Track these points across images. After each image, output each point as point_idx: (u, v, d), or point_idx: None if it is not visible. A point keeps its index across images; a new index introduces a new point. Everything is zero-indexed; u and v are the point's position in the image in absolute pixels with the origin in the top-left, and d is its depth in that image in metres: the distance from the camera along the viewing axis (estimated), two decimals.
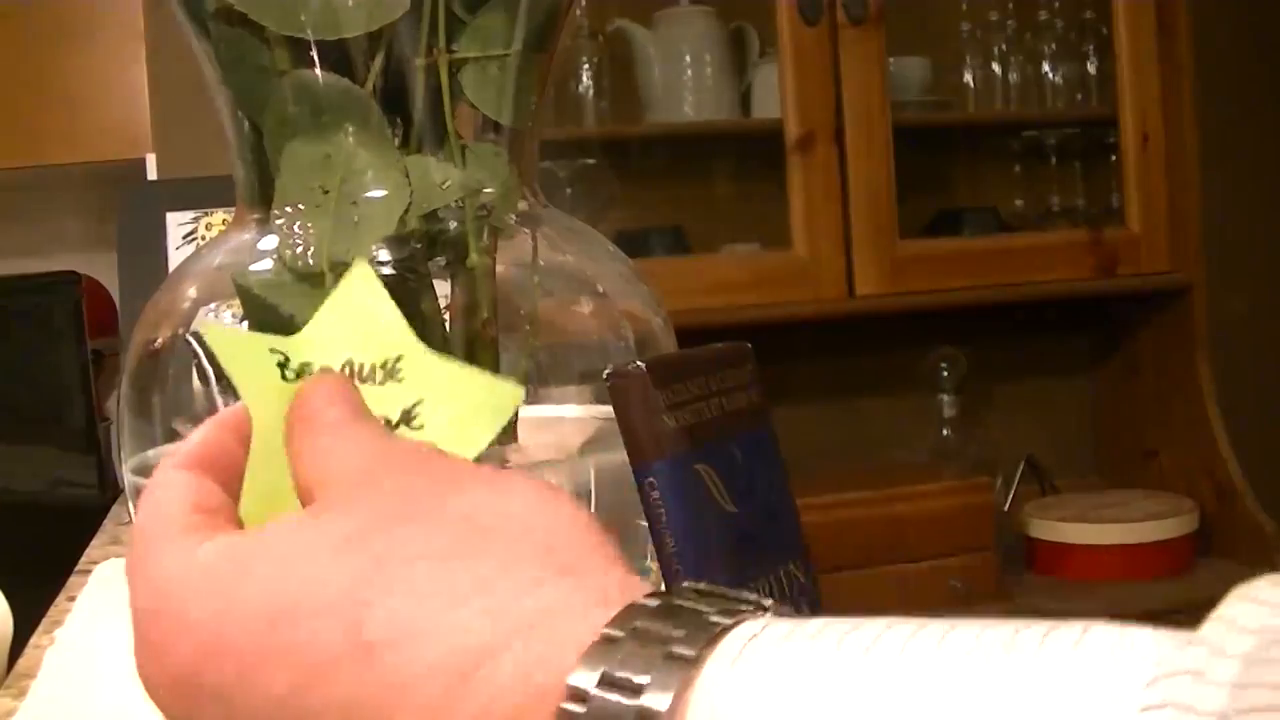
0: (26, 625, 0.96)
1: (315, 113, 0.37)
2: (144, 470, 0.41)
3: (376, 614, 0.27)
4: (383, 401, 0.34)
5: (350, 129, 0.37)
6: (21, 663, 0.85)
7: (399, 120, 0.37)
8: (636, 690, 0.24)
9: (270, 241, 0.39)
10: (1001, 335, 2.14)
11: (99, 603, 0.99)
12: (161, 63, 1.81)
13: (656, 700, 0.24)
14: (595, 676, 0.25)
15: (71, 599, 1.00)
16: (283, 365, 0.34)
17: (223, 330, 0.34)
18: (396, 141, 0.37)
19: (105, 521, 1.35)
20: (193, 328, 0.41)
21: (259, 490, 0.34)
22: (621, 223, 1.91)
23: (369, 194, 0.37)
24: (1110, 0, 2.01)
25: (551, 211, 0.42)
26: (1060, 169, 2.13)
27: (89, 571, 1.09)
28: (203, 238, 1.38)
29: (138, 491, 0.41)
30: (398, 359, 0.34)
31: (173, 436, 0.41)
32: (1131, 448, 2.14)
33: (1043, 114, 2.12)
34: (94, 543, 1.24)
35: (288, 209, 0.38)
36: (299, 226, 0.37)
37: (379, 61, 0.37)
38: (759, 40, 2.01)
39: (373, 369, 0.34)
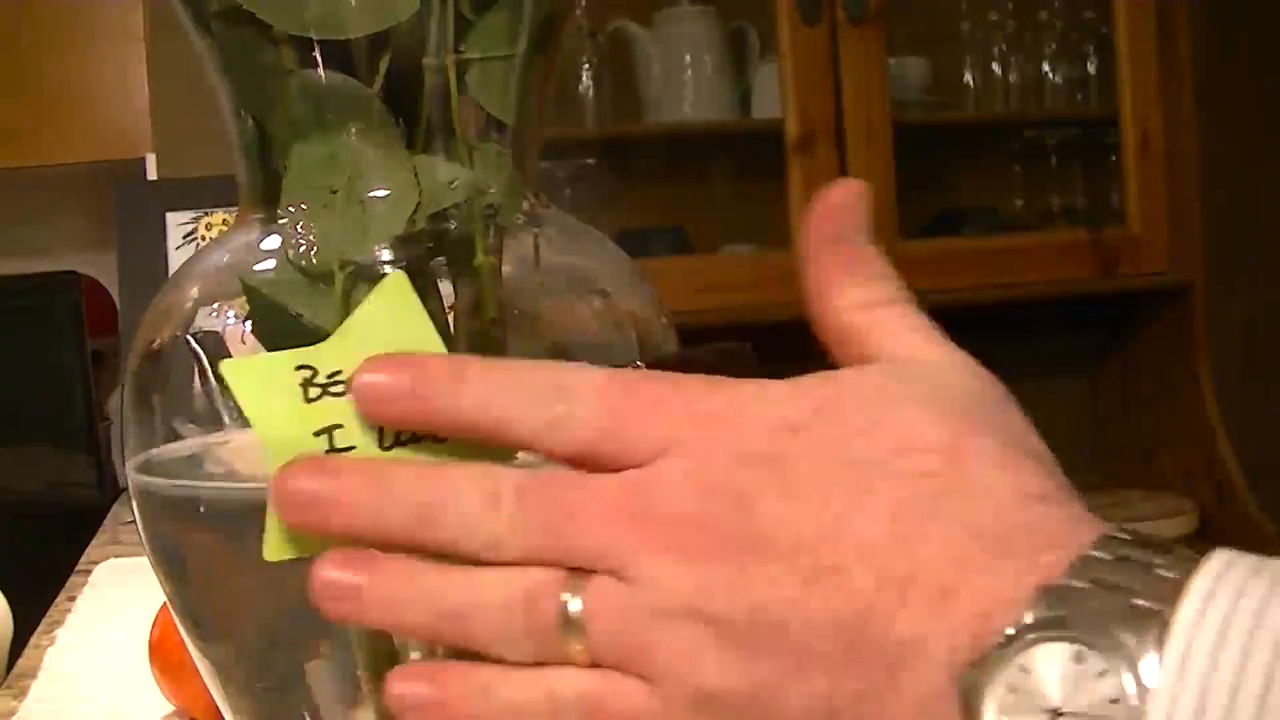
0: (26, 625, 0.96)
1: (323, 112, 0.37)
2: (146, 470, 0.41)
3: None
4: None
5: (358, 128, 0.37)
6: (21, 663, 0.85)
7: (400, 120, 0.37)
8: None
9: (274, 241, 0.39)
10: (1001, 335, 2.14)
11: (99, 603, 0.99)
12: (161, 63, 1.81)
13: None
14: (1085, 580, 0.28)
15: (71, 599, 1.00)
16: (308, 381, 0.34)
17: (240, 360, 0.34)
18: (401, 142, 0.37)
19: (105, 521, 1.35)
20: (194, 330, 0.41)
21: (284, 527, 0.34)
22: (621, 223, 1.90)
23: (378, 193, 0.37)
24: (1110, 0, 2.01)
25: (553, 211, 0.42)
26: (1060, 169, 2.13)
27: (89, 571, 1.09)
28: (203, 238, 1.39)
29: (141, 491, 0.41)
30: None
31: (174, 436, 0.41)
32: (1131, 448, 2.14)
33: (1043, 114, 2.12)
34: (94, 543, 1.24)
35: (295, 208, 0.38)
36: (307, 226, 0.37)
37: (386, 61, 0.37)
38: (759, 40, 2.00)
39: None
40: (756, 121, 1.99)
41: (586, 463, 0.32)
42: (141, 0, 1.85)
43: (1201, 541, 1.90)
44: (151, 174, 1.67)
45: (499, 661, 0.32)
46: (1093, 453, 2.21)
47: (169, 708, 0.71)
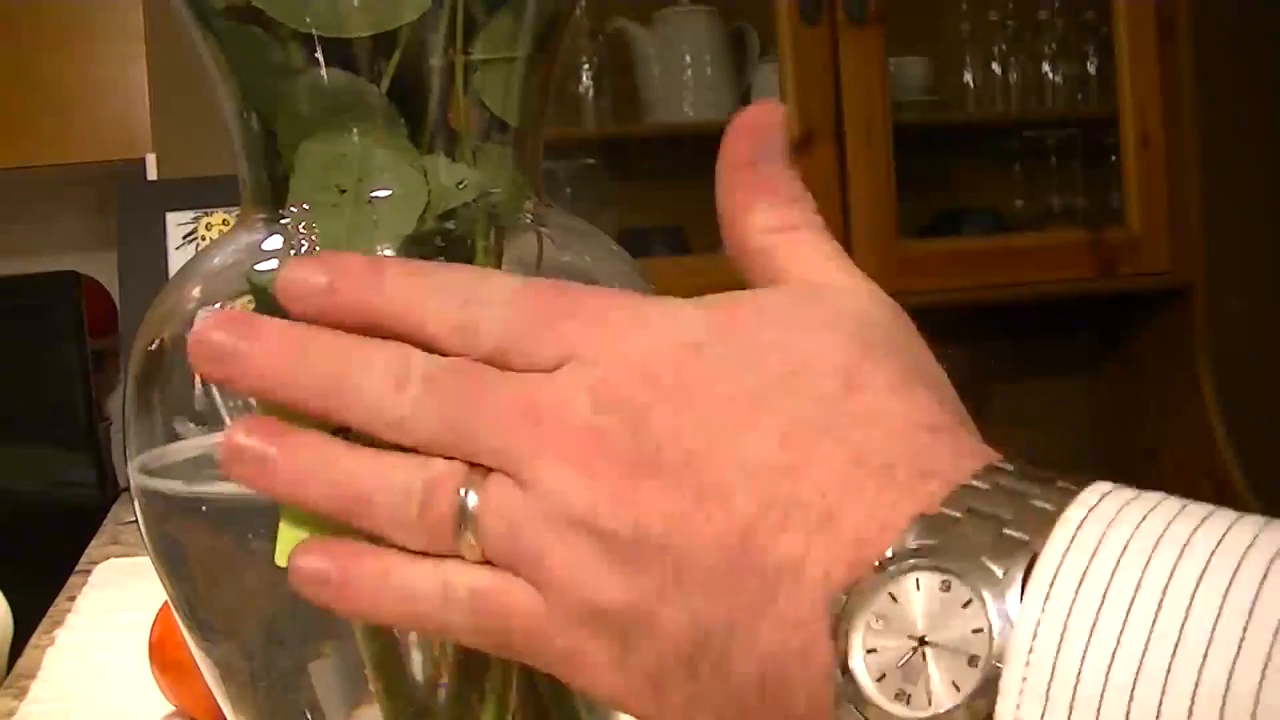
0: (26, 625, 0.96)
1: (330, 112, 0.37)
2: (148, 470, 0.41)
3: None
4: None
5: (366, 128, 0.37)
6: (21, 663, 0.85)
7: (402, 120, 0.37)
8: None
9: (277, 241, 0.39)
10: (1001, 335, 2.14)
11: (99, 603, 0.99)
12: (161, 63, 1.81)
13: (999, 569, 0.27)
14: (961, 509, 0.28)
15: (71, 599, 1.00)
16: None
17: None
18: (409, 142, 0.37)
19: (105, 521, 1.35)
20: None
21: (295, 531, 0.34)
22: (621, 223, 1.90)
23: (384, 193, 0.37)
24: (1110, 0, 2.01)
25: (555, 211, 0.42)
26: (1060, 169, 2.13)
27: (89, 571, 1.09)
28: (203, 238, 1.39)
29: (143, 491, 0.41)
30: None
31: (176, 436, 0.41)
32: (1131, 448, 2.14)
33: (1043, 114, 2.12)
34: (94, 543, 1.24)
35: (299, 208, 0.38)
36: (315, 225, 0.37)
37: (395, 61, 0.37)
38: (759, 40, 2.01)
39: None
40: None
41: (495, 366, 0.32)
42: (141, 0, 1.85)
43: None
44: (151, 174, 1.67)
45: (402, 550, 0.32)
46: (1093, 453, 2.21)
47: (169, 708, 0.71)
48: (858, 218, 1.89)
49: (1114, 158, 2.05)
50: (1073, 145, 2.11)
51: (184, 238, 1.39)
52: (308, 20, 0.36)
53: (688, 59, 1.98)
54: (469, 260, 0.38)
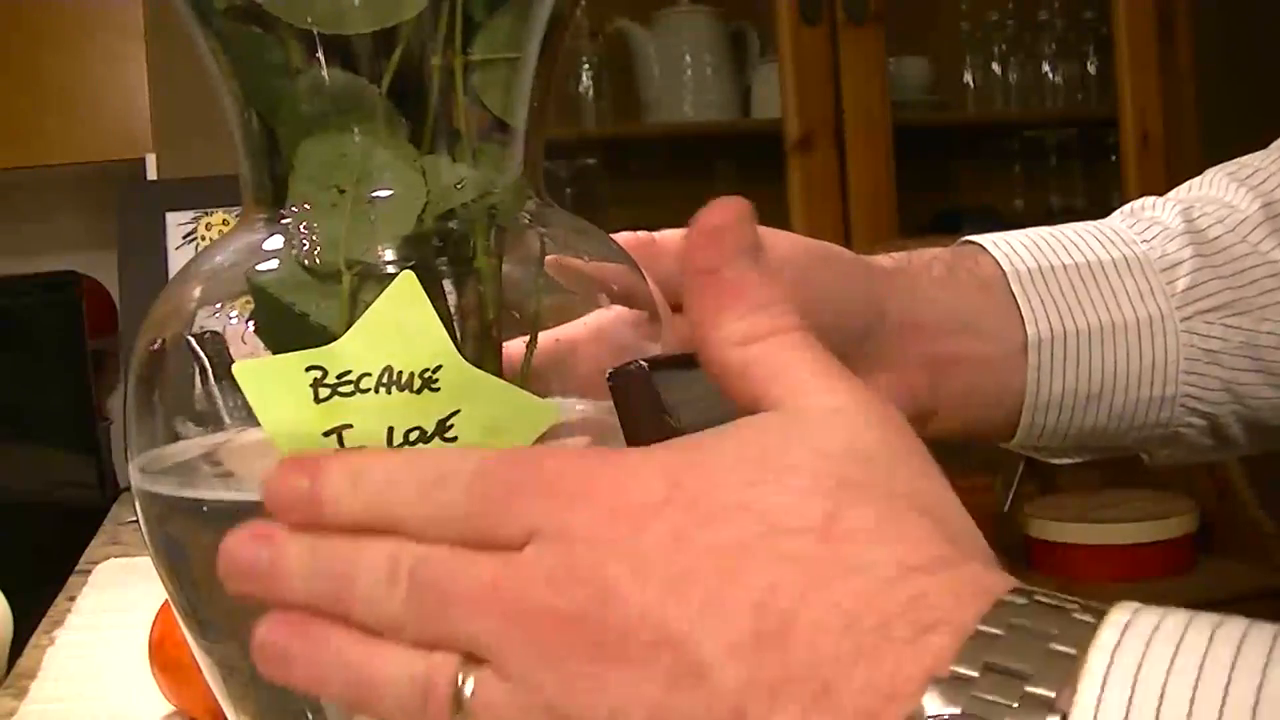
0: (26, 625, 0.96)
1: (331, 111, 0.37)
2: (149, 470, 0.41)
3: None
4: (419, 410, 0.35)
5: (367, 128, 0.37)
6: (21, 663, 0.85)
7: (403, 120, 0.37)
8: (1022, 679, 0.26)
9: (277, 241, 0.39)
10: None
11: (99, 603, 0.99)
12: (161, 63, 1.81)
13: (1043, 690, 0.25)
14: (977, 666, 0.26)
15: (71, 599, 1.00)
16: (318, 382, 0.34)
17: (252, 362, 0.35)
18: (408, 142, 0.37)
19: (105, 521, 1.35)
20: (196, 330, 0.41)
21: None
22: (621, 223, 1.90)
23: (385, 193, 0.37)
24: (1110, 0, 2.01)
25: (557, 211, 0.42)
26: (1060, 169, 2.13)
27: (89, 571, 1.09)
28: (203, 238, 1.39)
29: (144, 492, 0.41)
30: (437, 369, 0.35)
31: (176, 437, 0.41)
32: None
33: (1043, 114, 2.12)
34: (94, 543, 1.24)
35: (300, 208, 0.38)
36: (316, 225, 0.37)
37: (395, 60, 0.37)
38: (759, 40, 2.01)
39: (411, 376, 0.34)
40: (756, 121, 1.99)
41: (468, 547, 0.31)
42: (142, 0, 1.85)
43: (1203, 540, 1.90)
44: (151, 174, 1.67)
45: None
46: None
47: (169, 708, 0.71)
48: (858, 218, 1.89)
49: (1114, 158, 2.05)
50: (1073, 145, 2.11)
51: (184, 238, 1.39)
52: (309, 19, 0.36)
53: (688, 59, 1.98)
54: (469, 260, 0.38)
